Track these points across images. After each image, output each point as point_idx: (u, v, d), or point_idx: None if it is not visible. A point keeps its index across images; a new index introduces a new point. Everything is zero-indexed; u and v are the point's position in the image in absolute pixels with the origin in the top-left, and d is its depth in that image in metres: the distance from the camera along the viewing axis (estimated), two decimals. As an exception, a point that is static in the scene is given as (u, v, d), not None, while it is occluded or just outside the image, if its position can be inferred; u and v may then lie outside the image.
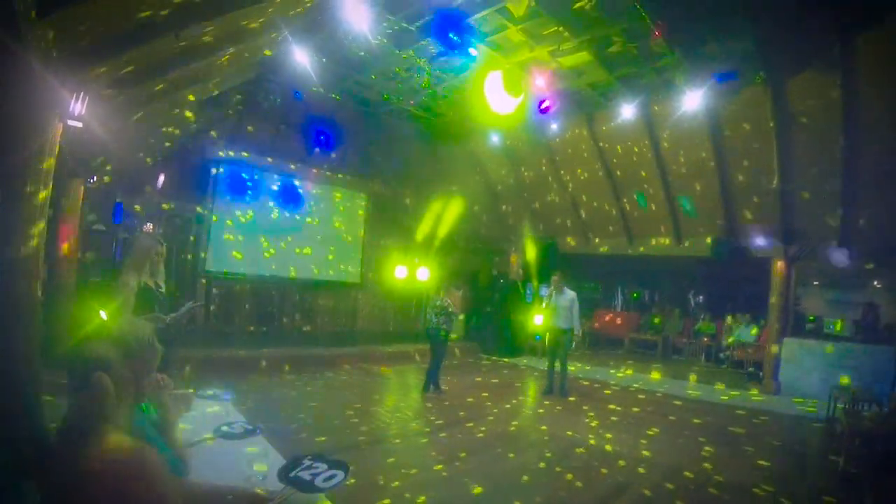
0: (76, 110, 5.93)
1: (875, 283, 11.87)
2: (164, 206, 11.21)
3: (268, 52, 8.02)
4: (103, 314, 3.00)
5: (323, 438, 5.52)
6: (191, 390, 3.98)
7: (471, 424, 6.74)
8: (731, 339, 12.20)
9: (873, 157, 8.43)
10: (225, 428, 3.01)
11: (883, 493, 4.94)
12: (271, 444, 3.11)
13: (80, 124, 6.01)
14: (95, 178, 8.60)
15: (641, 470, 5.39)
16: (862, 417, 5.78)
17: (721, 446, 6.37)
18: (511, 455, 5.61)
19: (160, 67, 6.95)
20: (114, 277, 4.04)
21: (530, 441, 6.31)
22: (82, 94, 5.95)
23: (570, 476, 5.07)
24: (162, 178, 11.42)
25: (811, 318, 11.19)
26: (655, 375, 11.43)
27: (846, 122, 8.24)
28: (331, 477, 2.50)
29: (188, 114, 9.80)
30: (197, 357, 8.98)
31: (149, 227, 11.06)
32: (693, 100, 8.52)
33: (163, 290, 4.11)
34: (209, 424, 3.12)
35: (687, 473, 5.31)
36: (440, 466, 5.09)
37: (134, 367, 2.00)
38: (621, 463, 5.55)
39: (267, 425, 5.55)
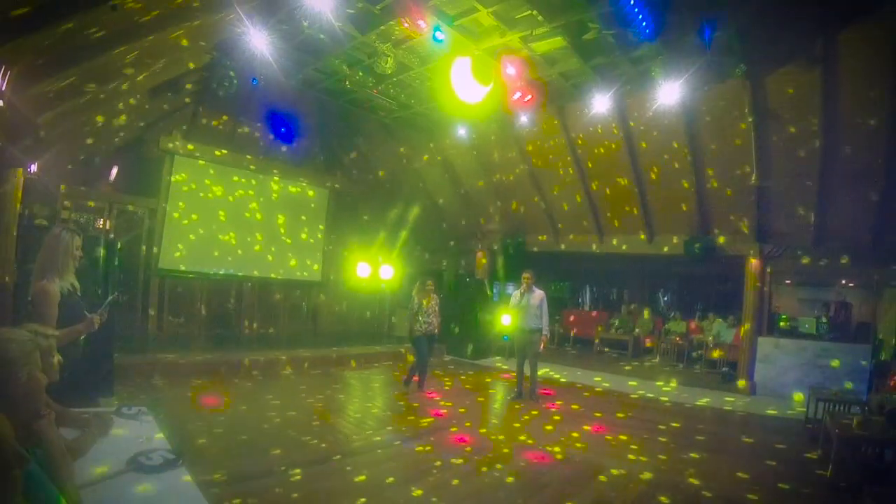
0: (-2, 86, 5.31)
1: (848, 282, 11.80)
2: (114, 200, 10.49)
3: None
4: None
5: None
6: (111, 408, 3.43)
7: (432, 440, 6.25)
8: (710, 337, 11.98)
9: (849, 154, 8.30)
10: (142, 458, 2.47)
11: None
12: (198, 478, 2.56)
13: (0, 103, 5.40)
14: (36, 167, 7.87)
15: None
16: (850, 424, 5.49)
17: (700, 453, 6.07)
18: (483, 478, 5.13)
19: (97, 44, 6.35)
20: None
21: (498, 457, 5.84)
22: (4, 68, 5.34)
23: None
24: (115, 170, 10.71)
25: (784, 317, 11.04)
26: (631, 380, 11.16)
27: (824, 119, 8.08)
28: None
29: (138, 100, 9.14)
30: (143, 363, 8.40)
31: (100, 222, 10.35)
32: (669, 93, 8.23)
33: (78, 291, 3.48)
34: (127, 451, 2.57)
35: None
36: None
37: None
38: (602, 478, 5.17)
39: (199, 450, 4.99)
